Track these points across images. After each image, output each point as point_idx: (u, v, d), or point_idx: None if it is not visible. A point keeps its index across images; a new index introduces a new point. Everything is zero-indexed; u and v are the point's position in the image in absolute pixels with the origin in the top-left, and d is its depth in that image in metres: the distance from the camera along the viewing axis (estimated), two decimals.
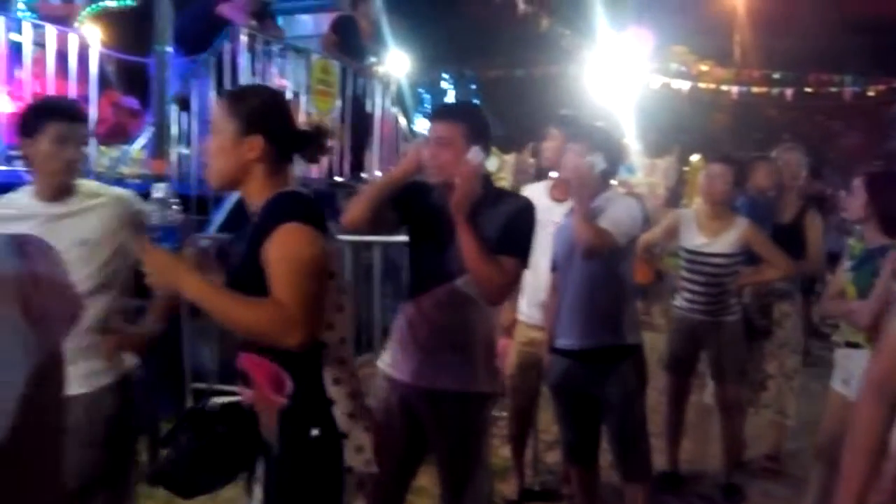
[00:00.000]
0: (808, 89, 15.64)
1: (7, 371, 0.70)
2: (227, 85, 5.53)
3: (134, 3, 7.23)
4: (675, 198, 10.13)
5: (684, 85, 15.70)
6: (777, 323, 4.20)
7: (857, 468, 1.63)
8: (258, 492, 1.91)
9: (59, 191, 2.42)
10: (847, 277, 3.06)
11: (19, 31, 5.13)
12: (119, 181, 4.72)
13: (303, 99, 6.32)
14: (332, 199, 6.49)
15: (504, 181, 8.53)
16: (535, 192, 3.59)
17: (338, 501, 1.88)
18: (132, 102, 6.72)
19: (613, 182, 3.80)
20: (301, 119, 6.33)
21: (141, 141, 5.26)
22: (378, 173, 7.36)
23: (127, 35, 7.19)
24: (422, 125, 17.61)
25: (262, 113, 1.90)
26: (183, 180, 5.28)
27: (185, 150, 5.49)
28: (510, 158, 9.42)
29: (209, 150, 1.94)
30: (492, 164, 4.28)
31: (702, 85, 16.11)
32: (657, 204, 8.82)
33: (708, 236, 3.89)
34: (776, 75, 15.93)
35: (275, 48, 6.20)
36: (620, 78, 13.96)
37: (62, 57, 5.22)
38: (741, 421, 4.18)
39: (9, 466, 0.72)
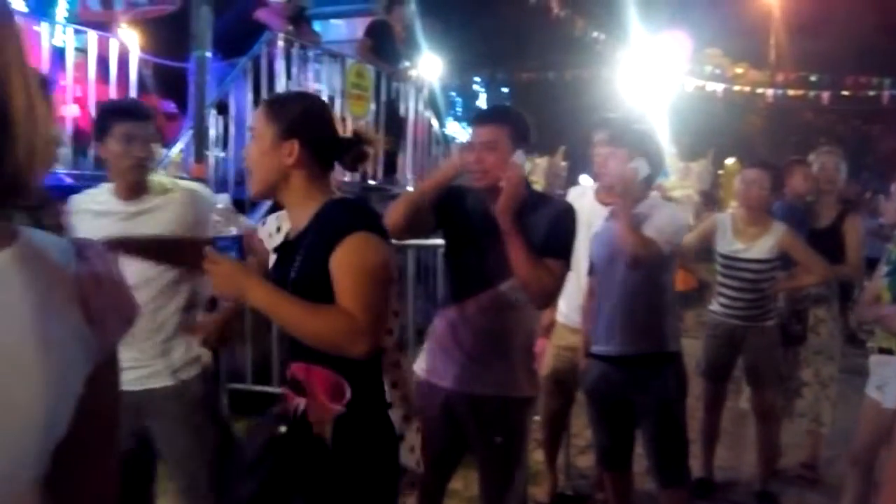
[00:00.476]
0: (845, 92, 15.40)
1: (69, 372, 0.72)
2: (264, 89, 5.61)
3: (172, 8, 7.36)
4: (709, 202, 10.04)
5: (718, 88, 15.56)
6: (812, 329, 4.15)
7: None
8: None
9: (133, 188, 2.49)
10: (883, 283, 3.02)
11: (62, 37, 5.25)
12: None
13: (337, 103, 6.38)
14: (366, 203, 6.53)
15: (536, 184, 8.52)
16: (583, 195, 3.59)
17: (393, 501, 1.90)
18: (169, 106, 6.85)
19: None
20: (336, 123, 6.38)
21: (179, 145, 5.35)
22: (410, 177, 7.41)
23: (164, 40, 7.33)
24: (454, 129, 17.68)
25: (301, 119, 1.90)
26: (220, 183, 5.36)
27: (222, 154, 5.58)
28: (542, 161, 9.40)
29: (250, 156, 1.95)
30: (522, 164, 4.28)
31: (736, 88, 15.95)
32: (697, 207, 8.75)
33: (744, 241, 3.86)
34: (812, 78, 15.72)
35: (311, 53, 6.27)
36: (654, 81, 13.88)
37: (103, 62, 5.33)
38: (777, 427, 4.14)
39: (66, 465, 0.74)
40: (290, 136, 1.87)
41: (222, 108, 5.60)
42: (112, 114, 2.52)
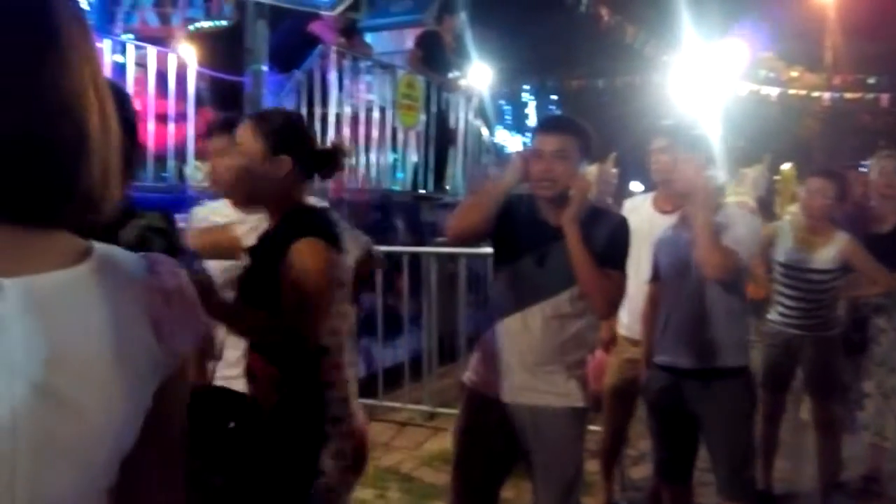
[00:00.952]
0: None
1: (138, 385, 0.73)
2: (317, 102, 5.71)
3: (228, 24, 7.53)
4: (766, 208, 9.83)
5: (773, 92, 15.25)
6: (873, 339, 4.04)
7: None
8: None
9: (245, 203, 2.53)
10: None
11: (122, 53, 5.41)
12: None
13: (388, 114, 6.45)
14: (416, 211, 6.59)
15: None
16: (640, 204, 3.56)
17: (304, 501, 1.95)
18: None
19: None
20: (388, 133, 6.46)
21: None
22: (460, 186, 7.44)
23: (220, 54, 7.49)
24: (503, 137, 17.68)
25: (291, 134, 2.05)
26: None
27: None
28: (592, 169, 9.34)
29: (233, 169, 2.07)
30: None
31: (792, 91, 15.61)
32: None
33: (805, 251, 3.77)
34: (871, 80, 15.31)
35: (362, 65, 6.35)
36: (707, 86, 13.68)
37: (161, 76, 5.48)
38: (838, 440, 4.03)
39: (133, 477, 0.76)
40: (282, 151, 2.00)
41: None
42: (209, 129, 2.70)
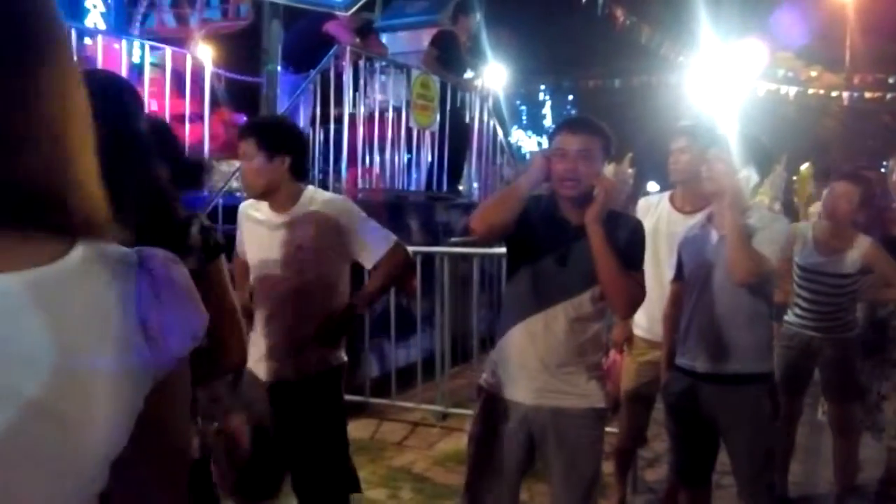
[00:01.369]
0: None
1: (124, 388, 0.69)
2: (332, 101, 5.72)
3: (244, 24, 7.58)
4: (786, 208, 9.75)
5: (792, 91, 15.13)
6: (892, 341, 3.99)
7: None
8: None
9: (281, 201, 2.71)
10: None
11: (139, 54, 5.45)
12: (230, 195, 4.95)
13: (403, 113, 6.45)
14: (430, 211, 6.59)
15: None
16: (656, 203, 3.53)
17: None
18: (242, 119, 7.04)
19: None
20: (402, 133, 6.46)
21: None
22: (475, 186, 7.43)
23: (239, 55, 7.55)
24: (519, 137, 17.65)
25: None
26: None
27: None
28: (608, 169, 9.31)
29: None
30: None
31: (811, 91, 15.48)
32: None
33: (826, 255, 3.71)
34: (891, 80, 15.14)
35: (377, 65, 6.36)
36: (724, 86, 13.59)
37: (177, 76, 5.51)
38: (855, 443, 3.99)
39: (128, 481, 0.74)
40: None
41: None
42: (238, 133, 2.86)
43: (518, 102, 18.61)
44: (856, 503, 3.95)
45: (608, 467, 3.90)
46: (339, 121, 5.83)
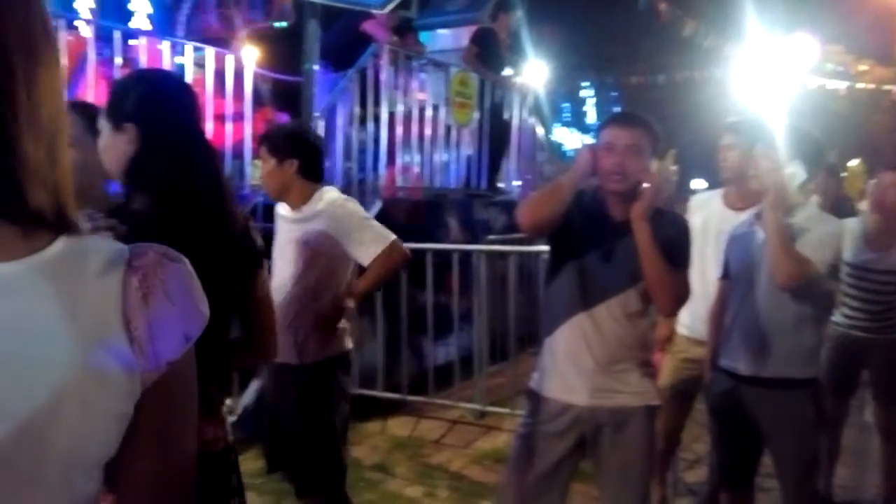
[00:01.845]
0: None
1: (102, 393, 0.66)
2: (370, 100, 5.74)
3: (287, 25, 7.65)
4: (838, 207, 9.52)
5: (841, 86, 14.76)
6: None
7: None
8: None
9: (296, 200, 2.91)
10: None
11: (182, 54, 5.54)
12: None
13: (442, 111, 6.45)
14: (469, 208, 6.58)
15: None
16: (710, 200, 3.48)
17: None
18: (284, 119, 7.12)
19: None
20: (441, 131, 6.47)
21: None
22: (515, 183, 7.40)
23: (281, 55, 7.62)
24: (562, 135, 17.54)
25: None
26: None
27: (328, 164, 5.74)
28: (652, 166, 9.20)
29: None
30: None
31: (860, 85, 15.08)
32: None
33: (875, 250, 3.60)
34: None
35: (415, 63, 6.37)
36: (772, 80, 13.31)
37: (220, 77, 5.59)
38: None
39: (128, 488, 0.72)
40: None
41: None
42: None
43: (560, 100, 18.48)
44: None
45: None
46: (377, 119, 5.85)
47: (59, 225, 0.68)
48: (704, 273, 3.25)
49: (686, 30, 12.89)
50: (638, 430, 2.45)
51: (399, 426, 4.90)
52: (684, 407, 3.57)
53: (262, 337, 1.94)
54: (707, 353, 3.08)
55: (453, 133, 6.61)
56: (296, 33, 7.01)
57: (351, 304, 2.93)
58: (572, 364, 2.46)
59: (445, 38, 8.64)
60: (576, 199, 2.46)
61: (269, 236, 2.76)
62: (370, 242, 2.85)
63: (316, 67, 4.92)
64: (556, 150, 9.99)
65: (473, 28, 7.37)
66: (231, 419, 1.97)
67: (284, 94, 7.29)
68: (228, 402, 1.96)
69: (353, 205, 2.96)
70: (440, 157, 6.51)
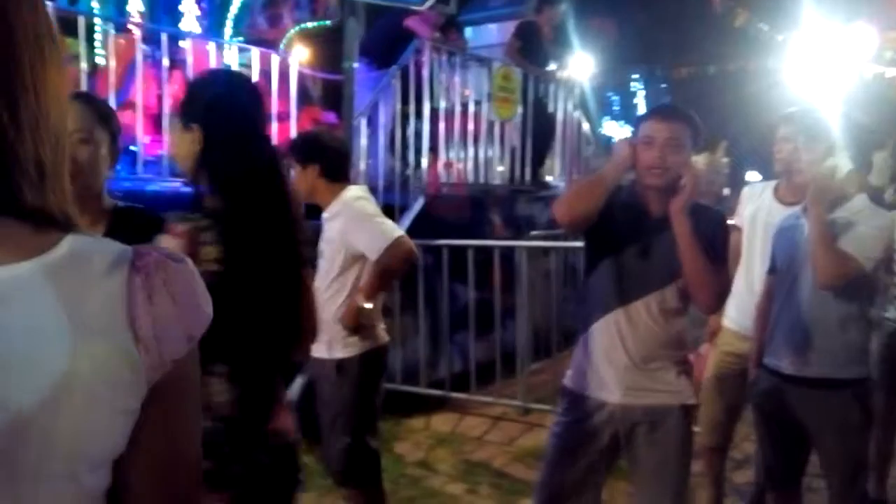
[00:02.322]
0: None
1: (108, 392, 0.68)
2: (412, 97, 5.74)
3: (331, 24, 7.71)
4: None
5: None
6: None
7: None
8: None
9: (314, 203, 3.01)
10: None
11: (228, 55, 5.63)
12: None
13: (485, 107, 6.42)
14: (513, 203, 6.54)
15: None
16: (760, 192, 3.41)
17: None
18: (331, 117, 7.18)
19: None
20: (484, 127, 6.44)
21: None
22: (552, 178, 7.32)
23: (327, 53, 7.69)
24: (611, 128, 17.35)
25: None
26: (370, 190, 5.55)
27: (370, 162, 5.77)
28: (700, 158, 9.05)
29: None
30: None
31: None
32: None
33: None
34: None
35: (458, 58, 6.35)
36: (828, 69, 12.92)
37: (266, 77, 5.66)
38: None
39: (132, 485, 0.73)
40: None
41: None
42: None
43: (610, 93, 18.26)
44: None
45: (695, 467, 3.77)
46: (419, 116, 5.85)
47: (65, 224, 0.69)
48: (751, 267, 3.18)
49: (738, 20, 12.59)
50: (673, 429, 2.41)
51: (442, 422, 4.90)
52: (731, 402, 3.48)
53: (305, 330, 2.00)
54: (752, 350, 3.01)
55: (496, 128, 6.58)
56: (341, 32, 7.06)
57: (362, 301, 2.96)
58: (607, 361, 2.43)
59: (491, 33, 8.61)
60: (613, 194, 2.41)
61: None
62: (375, 238, 2.93)
63: (356, 65, 4.95)
64: (604, 143, 9.86)
65: (518, 21, 7.33)
66: None
67: (332, 92, 7.35)
68: None
69: (364, 202, 3.06)
70: (483, 152, 6.49)
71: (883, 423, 3.75)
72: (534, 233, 5.96)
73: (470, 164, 6.36)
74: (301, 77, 6.18)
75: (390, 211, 5.55)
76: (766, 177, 3.65)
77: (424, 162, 5.90)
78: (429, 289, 5.01)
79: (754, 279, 3.07)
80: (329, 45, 7.68)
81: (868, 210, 2.66)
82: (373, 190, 5.54)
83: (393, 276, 3.12)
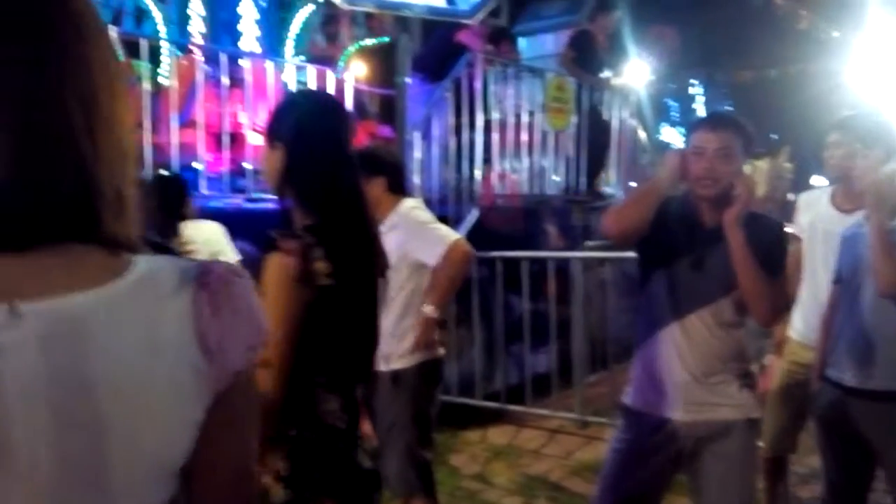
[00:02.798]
0: None
1: (179, 402, 0.72)
2: (465, 109, 5.78)
3: (390, 40, 7.81)
4: None
5: None
6: None
7: None
8: None
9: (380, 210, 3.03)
10: None
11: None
12: None
13: (538, 118, 6.41)
14: (568, 214, 6.50)
15: (759, 188, 8.02)
16: (817, 199, 3.34)
17: None
18: (386, 131, 7.27)
19: None
20: (538, 137, 6.43)
21: None
22: (608, 188, 7.25)
23: (383, 69, 7.79)
24: (670, 135, 17.07)
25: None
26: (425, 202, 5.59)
27: (425, 174, 5.81)
28: (763, 164, 8.82)
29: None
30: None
31: None
32: None
33: None
34: None
35: (510, 70, 6.36)
36: (893, 71, 12.48)
37: None
38: None
39: (197, 488, 0.77)
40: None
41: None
42: None
43: (669, 99, 17.99)
44: None
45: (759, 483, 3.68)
46: (473, 128, 5.88)
47: (133, 246, 0.74)
48: (814, 276, 3.11)
49: (802, 22, 12.29)
50: (738, 444, 2.36)
51: (498, 435, 4.89)
52: (793, 412, 3.40)
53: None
54: (816, 361, 2.94)
55: (550, 138, 6.56)
56: (395, 47, 7.15)
57: (428, 310, 3.00)
58: (666, 377, 2.38)
59: (547, 43, 8.58)
60: (664, 206, 2.38)
61: None
62: (433, 244, 2.98)
63: (408, 80, 5.01)
64: (662, 150, 9.72)
65: (572, 30, 7.30)
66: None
67: (388, 107, 7.45)
68: None
69: (419, 211, 3.11)
70: (537, 162, 6.47)
71: None
72: (589, 243, 5.91)
73: (524, 175, 6.35)
74: (357, 93, 6.27)
75: (444, 223, 5.60)
76: (832, 182, 3.56)
77: (478, 174, 5.91)
78: (483, 300, 5.01)
79: (819, 289, 3.00)
80: (385, 61, 7.79)
81: None
82: (427, 202, 5.60)
83: (455, 279, 3.13)
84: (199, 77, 5.41)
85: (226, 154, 5.38)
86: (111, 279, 0.70)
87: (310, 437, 1.72)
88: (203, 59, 5.51)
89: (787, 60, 14.63)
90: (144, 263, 0.73)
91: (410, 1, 5.70)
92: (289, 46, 7.29)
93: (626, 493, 2.47)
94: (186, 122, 5.45)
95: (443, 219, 5.54)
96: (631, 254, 4.58)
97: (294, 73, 5.86)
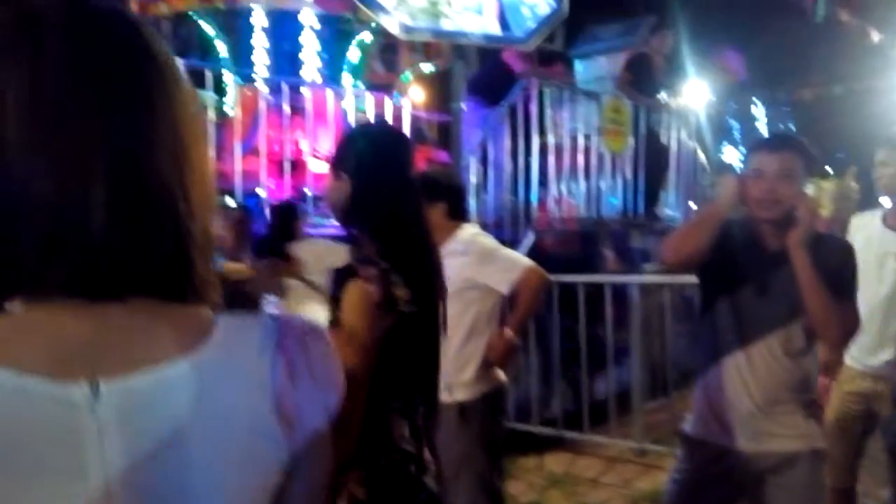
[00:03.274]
0: None
1: (257, 467, 0.71)
2: (521, 133, 5.79)
3: (444, 67, 7.91)
4: None
5: None
6: None
7: None
8: None
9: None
10: None
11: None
12: None
13: (594, 140, 6.38)
14: (626, 237, 6.44)
15: (824, 210, 7.80)
16: (869, 221, 3.27)
17: None
18: (443, 156, 7.34)
19: None
20: (594, 160, 6.40)
21: None
22: (667, 210, 7.17)
23: (441, 94, 7.89)
24: (731, 155, 16.77)
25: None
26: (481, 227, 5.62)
27: (483, 198, 5.84)
28: (828, 185, 8.57)
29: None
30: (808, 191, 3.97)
31: None
32: None
33: None
34: None
35: (566, 93, 6.36)
36: None
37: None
38: None
39: None
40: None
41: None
42: None
43: (730, 118, 17.69)
44: None
45: None
46: (529, 151, 5.89)
47: (209, 296, 0.74)
48: (867, 299, 3.02)
49: (868, 38, 11.98)
50: (804, 476, 2.29)
51: (555, 462, 4.83)
52: (851, 443, 3.29)
53: None
54: (885, 388, 2.85)
55: (607, 161, 6.52)
56: (451, 74, 7.25)
57: (509, 334, 2.99)
58: (729, 407, 2.33)
59: (603, 65, 8.55)
60: (725, 229, 2.34)
61: None
62: (505, 270, 2.94)
63: (463, 106, 5.06)
64: (724, 171, 9.56)
65: (629, 53, 7.27)
66: None
67: (444, 132, 7.53)
68: None
69: (485, 237, 3.07)
70: (594, 185, 6.44)
71: None
72: (647, 266, 5.84)
73: (581, 198, 6.32)
74: (414, 118, 6.35)
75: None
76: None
77: (534, 197, 5.91)
78: (540, 325, 4.99)
79: (874, 311, 2.92)
80: (441, 87, 7.88)
81: None
82: (483, 226, 5.62)
83: (533, 305, 3.11)
84: (262, 106, 5.57)
85: (287, 180, 5.50)
86: (198, 342, 0.70)
87: (386, 463, 1.74)
88: (266, 89, 5.66)
89: (851, 77, 14.25)
90: (226, 324, 0.73)
91: (466, 29, 5.76)
92: (348, 75, 7.46)
93: None
94: (249, 150, 5.60)
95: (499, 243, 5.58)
96: (691, 278, 4.54)
97: (353, 100, 5.98)
